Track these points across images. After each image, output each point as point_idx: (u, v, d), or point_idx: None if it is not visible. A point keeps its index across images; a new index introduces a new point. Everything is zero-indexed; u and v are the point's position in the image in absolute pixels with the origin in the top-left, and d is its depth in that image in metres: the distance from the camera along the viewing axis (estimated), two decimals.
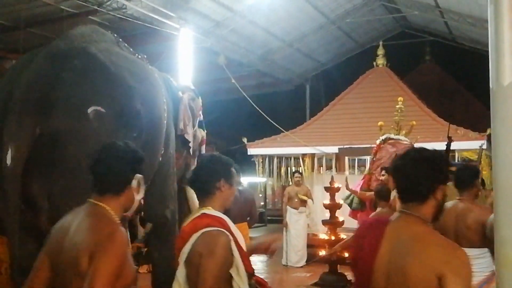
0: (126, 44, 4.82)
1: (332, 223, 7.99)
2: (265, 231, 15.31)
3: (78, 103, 3.69)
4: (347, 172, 12.27)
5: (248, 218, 7.14)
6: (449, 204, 3.84)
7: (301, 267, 9.71)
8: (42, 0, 9.09)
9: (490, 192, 5.75)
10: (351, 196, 8.17)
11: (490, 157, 3.96)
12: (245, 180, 13.08)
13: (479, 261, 3.65)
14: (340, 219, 8.07)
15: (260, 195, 17.43)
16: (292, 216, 9.96)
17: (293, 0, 12.01)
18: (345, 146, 11.58)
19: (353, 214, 8.19)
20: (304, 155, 12.78)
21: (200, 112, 6.03)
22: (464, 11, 11.78)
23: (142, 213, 5.72)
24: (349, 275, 7.38)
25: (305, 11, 12.88)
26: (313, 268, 9.06)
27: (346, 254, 7.53)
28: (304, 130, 13.37)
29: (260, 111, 13.23)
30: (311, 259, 9.28)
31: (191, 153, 5.68)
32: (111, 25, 9.89)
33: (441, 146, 7.42)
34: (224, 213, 2.61)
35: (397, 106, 8.85)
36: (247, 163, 13.23)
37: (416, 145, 8.35)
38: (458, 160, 10.29)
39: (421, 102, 13.05)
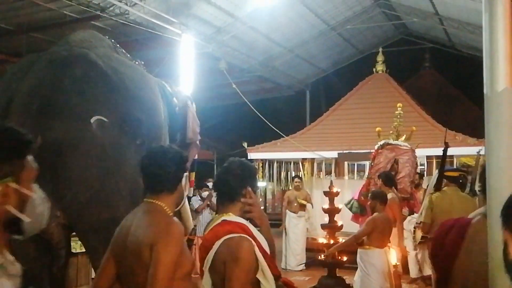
0: (123, 50, 4.75)
1: (331, 227, 8.05)
2: None
3: (81, 113, 3.63)
4: (346, 177, 12.35)
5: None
6: None
7: (300, 271, 9.76)
8: (45, 5, 9.19)
9: None
10: (352, 201, 8.24)
11: None
12: None
13: None
14: (339, 223, 8.13)
15: (260, 199, 17.48)
16: (292, 220, 10.02)
17: (293, 7, 12.12)
18: (344, 151, 11.66)
19: (355, 218, 8.26)
20: (304, 159, 12.87)
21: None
22: (463, 19, 11.89)
23: None
24: (348, 279, 7.45)
25: (305, 17, 12.99)
26: (312, 272, 9.12)
27: (344, 258, 7.61)
28: (304, 135, 13.45)
29: (260, 116, 13.33)
30: (310, 263, 9.33)
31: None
32: (113, 30, 9.98)
33: (439, 151, 7.53)
34: None
35: (396, 112, 8.93)
36: None
37: (416, 150, 8.44)
38: (456, 166, 10.35)
39: (420, 108, 13.13)
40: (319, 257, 7.99)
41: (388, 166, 8.09)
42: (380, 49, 14.63)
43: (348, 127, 12.91)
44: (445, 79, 19.58)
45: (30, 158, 1.64)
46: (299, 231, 10.02)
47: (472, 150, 9.97)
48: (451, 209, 5.27)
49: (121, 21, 9.81)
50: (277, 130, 13.05)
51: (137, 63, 4.81)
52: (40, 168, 3.53)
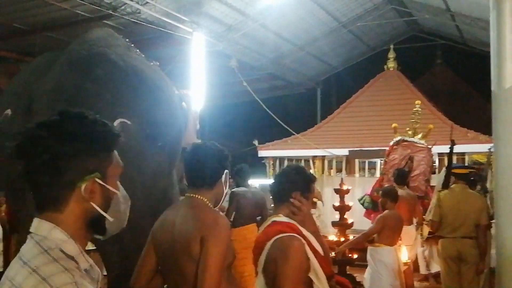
0: (137, 50, 4.66)
1: (342, 225, 8.04)
2: None
3: (104, 116, 3.55)
4: (357, 175, 12.33)
5: (259, 218, 7.20)
6: None
7: None
8: (58, 4, 9.27)
9: None
10: (364, 197, 8.25)
11: None
12: (256, 182, 13.17)
13: None
14: (350, 221, 8.12)
15: (271, 197, 17.47)
16: None
17: (304, 4, 12.10)
18: (355, 149, 11.63)
19: (367, 214, 8.26)
20: (314, 157, 12.85)
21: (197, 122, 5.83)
22: (475, 15, 11.78)
23: None
24: (358, 276, 7.45)
25: (316, 15, 12.96)
26: None
27: (355, 256, 7.60)
28: (315, 132, 13.44)
29: (271, 113, 13.33)
30: None
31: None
32: (125, 29, 10.03)
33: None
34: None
35: (414, 109, 8.86)
36: (258, 165, 13.33)
37: (433, 148, 8.37)
38: (468, 163, 10.29)
39: (431, 105, 13.05)
40: (330, 254, 8.00)
41: (403, 163, 8.07)
42: (392, 46, 14.54)
43: (359, 124, 12.87)
44: (457, 76, 19.39)
45: (115, 153, 1.48)
46: None
47: (484, 147, 9.92)
48: (459, 207, 5.26)
49: (132, 20, 9.89)
50: (288, 128, 13.05)
51: (152, 63, 4.68)
52: None
